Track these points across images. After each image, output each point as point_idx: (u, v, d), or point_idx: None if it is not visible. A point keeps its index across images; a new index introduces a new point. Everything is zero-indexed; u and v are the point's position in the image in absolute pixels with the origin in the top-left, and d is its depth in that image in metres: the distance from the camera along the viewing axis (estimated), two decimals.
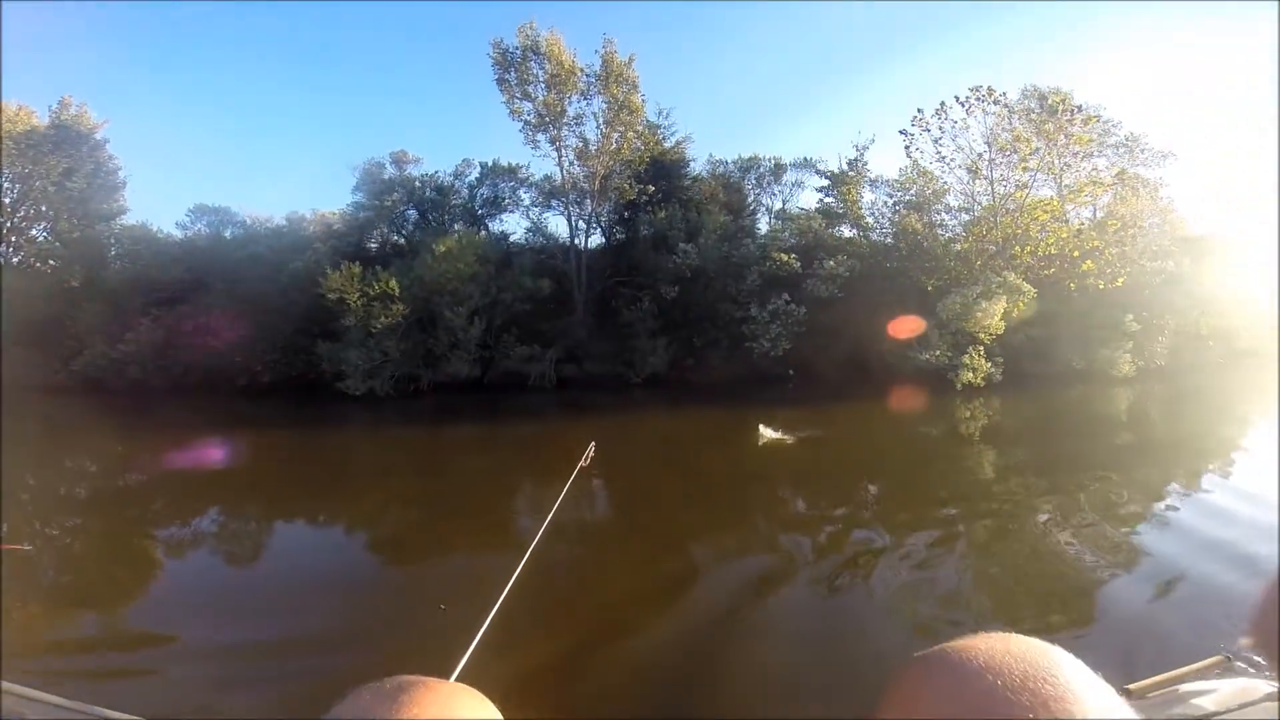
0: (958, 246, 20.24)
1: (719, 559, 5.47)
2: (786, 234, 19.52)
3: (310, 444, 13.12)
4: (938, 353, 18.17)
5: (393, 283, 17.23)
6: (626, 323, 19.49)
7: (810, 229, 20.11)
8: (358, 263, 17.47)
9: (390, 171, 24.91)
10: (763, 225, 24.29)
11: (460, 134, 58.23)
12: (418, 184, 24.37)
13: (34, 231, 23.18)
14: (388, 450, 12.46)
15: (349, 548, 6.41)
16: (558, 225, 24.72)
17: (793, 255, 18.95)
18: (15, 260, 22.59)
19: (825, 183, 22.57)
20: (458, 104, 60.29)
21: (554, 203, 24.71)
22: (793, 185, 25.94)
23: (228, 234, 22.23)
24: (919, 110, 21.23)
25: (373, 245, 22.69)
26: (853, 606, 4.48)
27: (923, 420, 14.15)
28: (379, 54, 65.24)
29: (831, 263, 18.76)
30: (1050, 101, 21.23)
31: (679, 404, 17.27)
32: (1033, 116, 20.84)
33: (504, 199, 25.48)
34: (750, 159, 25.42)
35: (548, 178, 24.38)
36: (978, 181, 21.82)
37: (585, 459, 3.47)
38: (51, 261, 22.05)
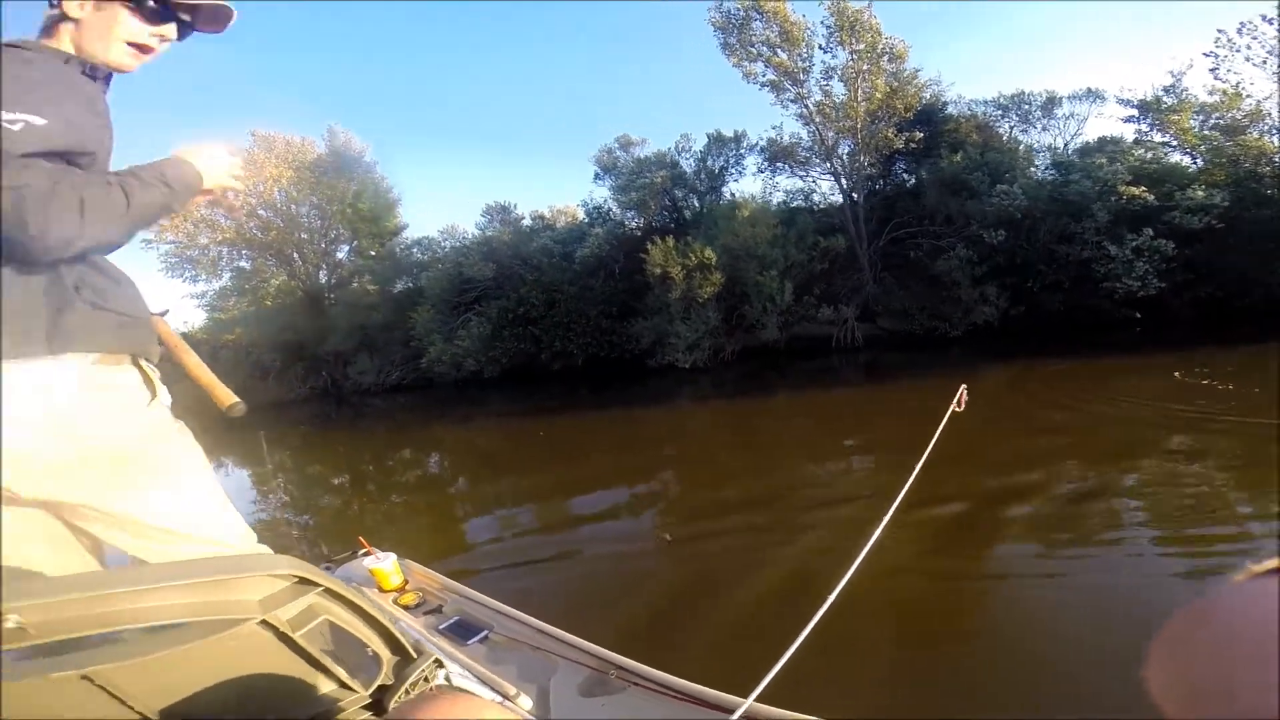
0: None
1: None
2: (1122, 168, 17.34)
3: (641, 419, 12.76)
4: None
5: (708, 252, 17.25)
6: (937, 273, 18.13)
7: (1154, 159, 17.92)
8: (671, 236, 17.72)
9: (621, 156, 25.51)
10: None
11: (668, 109, 60.00)
12: (651, 164, 24.67)
13: (339, 255, 26.58)
14: (728, 421, 11.85)
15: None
16: (814, 184, 24.10)
17: (1143, 188, 16.66)
18: (332, 281, 26.01)
19: (1131, 112, 19.98)
20: (654, 80, 62.41)
21: (788, 163, 24.06)
22: (1067, 118, 23.06)
23: (507, 230, 23.73)
24: (1220, 31, 18.17)
25: (626, 226, 23.23)
26: None
27: None
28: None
29: (1201, 192, 16.22)
30: None
31: (1011, 357, 15.45)
32: None
33: (729, 168, 25.22)
34: (1015, 95, 22.93)
35: (773, 141, 23.62)
36: None
37: (958, 402, 3.10)
38: (367, 277, 24.97)
